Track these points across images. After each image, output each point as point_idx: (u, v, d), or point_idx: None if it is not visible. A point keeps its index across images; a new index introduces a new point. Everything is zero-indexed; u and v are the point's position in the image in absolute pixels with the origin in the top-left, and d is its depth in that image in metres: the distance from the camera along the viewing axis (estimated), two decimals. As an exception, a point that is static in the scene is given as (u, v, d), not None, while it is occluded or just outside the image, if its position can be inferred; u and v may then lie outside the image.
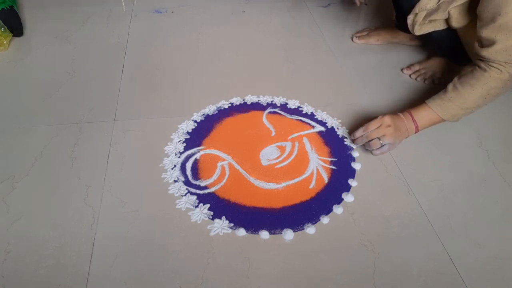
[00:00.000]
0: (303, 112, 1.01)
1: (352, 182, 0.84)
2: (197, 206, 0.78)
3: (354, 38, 1.29)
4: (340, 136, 0.95)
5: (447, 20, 0.97)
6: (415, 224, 0.77)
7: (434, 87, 1.10)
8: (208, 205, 0.79)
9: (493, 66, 0.81)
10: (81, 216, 0.76)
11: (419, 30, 1.00)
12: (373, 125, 0.84)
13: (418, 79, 1.13)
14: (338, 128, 0.97)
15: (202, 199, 0.80)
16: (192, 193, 0.81)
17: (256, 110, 1.01)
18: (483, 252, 0.73)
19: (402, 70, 1.16)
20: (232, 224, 0.75)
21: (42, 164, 0.86)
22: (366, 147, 0.87)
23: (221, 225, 0.75)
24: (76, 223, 0.75)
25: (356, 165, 0.87)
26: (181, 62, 1.19)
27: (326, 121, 0.98)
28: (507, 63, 0.80)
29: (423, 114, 0.86)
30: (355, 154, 0.90)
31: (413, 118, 0.85)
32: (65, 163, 0.86)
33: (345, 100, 1.06)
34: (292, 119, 0.99)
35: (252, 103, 1.04)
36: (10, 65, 1.15)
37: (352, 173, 0.86)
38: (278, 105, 1.03)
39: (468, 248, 0.73)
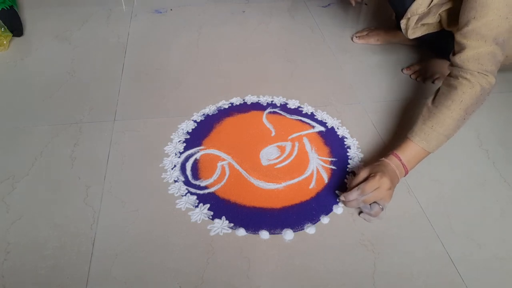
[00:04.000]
0: (303, 112, 1.01)
1: (352, 182, 0.84)
2: (197, 206, 0.78)
3: (354, 38, 1.29)
4: (340, 136, 0.95)
5: (440, 22, 0.97)
6: (415, 224, 0.77)
7: (433, 86, 1.10)
8: (208, 205, 0.79)
9: (464, 78, 0.76)
10: (81, 216, 0.76)
11: (412, 34, 1.00)
12: (370, 187, 0.72)
13: (418, 79, 1.13)
14: (338, 128, 0.97)
15: (202, 199, 0.80)
16: (192, 193, 0.81)
17: (256, 110, 1.01)
18: (483, 252, 0.73)
19: (402, 70, 1.16)
20: (232, 224, 0.75)
21: (42, 164, 0.86)
22: (362, 209, 0.76)
23: (221, 225, 0.75)
24: (76, 223, 0.75)
25: (356, 165, 0.87)
26: (181, 62, 1.19)
27: (326, 121, 0.98)
28: (479, 73, 0.75)
29: (409, 152, 0.77)
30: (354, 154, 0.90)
31: (403, 164, 0.76)
32: (65, 163, 0.86)
33: (345, 100, 1.06)
34: (292, 119, 0.99)
35: (252, 103, 1.04)
36: (10, 65, 1.15)
37: (352, 173, 0.86)
38: (278, 105, 1.03)
39: (468, 248, 0.73)
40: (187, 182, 0.83)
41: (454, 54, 0.80)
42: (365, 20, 1.44)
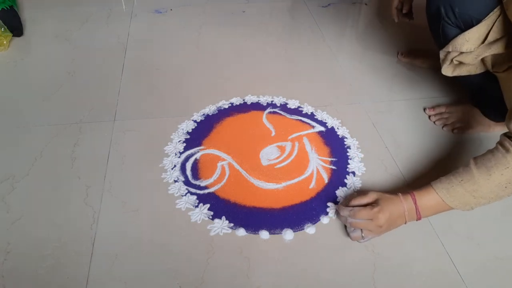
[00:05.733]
0: (303, 112, 1.01)
1: (352, 182, 0.84)
2: (197, 206, 0.78)
3: (399, 55, 1.20)
4: (340, 136, 0.95)
5: (482, 64, 0.82)
6: (415, 224, 0.77)
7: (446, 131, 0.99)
8: (208, 205, 0.79)
9: None
10: (81, 216, 0.76)
11: (445, 71, 0.84)
12: (363, 215, 0.69)
13: (437, 123, 0.99)
14: (338, 128, 0.97)
15: (202, 199, 0.80)
16: (192, 193, 0.81)
17: (256, 110, 1.01)
18: (483, 252, 0.73)
19: (424, 110, 1.03)
20: (232, 224, 0.75)
21: (42, 164, 0.86)
22: (347, 229, 0.73)
23: (221, 225, 0.75)
24: (76, 223, 0.75)
25: (356, 165, 0.87)
26: (181, 62, 1.19)
27: (326, 121, 0.98)
28: None
29: (428, 200, 0.69)
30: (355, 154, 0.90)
31: (416, 209, 0.69)
32: (65, 163, 0.86)
33: (345, 100, 1.06)
34: (292, 119, 0.99)
35: (252, 103, 1.04)
36: (10, 65, 1.15)
37: (352, 173, 0.86)
38: (278, 105, 1.03)
39: (468, 248, 0.73)
40: (187, 182, 0.83)
41: (510, 118, 0.65)
42: (365, 20, 1.44)
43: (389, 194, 0.72)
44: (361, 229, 0.70)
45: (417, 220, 0.70)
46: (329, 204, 0.79)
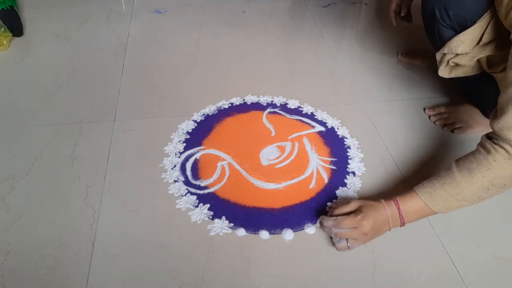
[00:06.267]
0: (303, 112, 1.01)
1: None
2: (197, 206, 0.78)
3: (399, 55, 1.20)
4: (340, 136, 0.95)
5: (478, 65, 0.82)
6: (415, 224, 0.77)
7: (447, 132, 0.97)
8: (208, 205, 0.79)
9: (500, 147, 0.62)
10: (81, 216, 0.76)
11: (442, 72, 0.85)
12: (347, 223, 0.67)
13: (437, 123, 0.98)
14: (338, 128, 0.97)
15: (202, 199, 0.80)
16: (192, 193, 0.81)
17: (256, 110, 1.01)
18: (483, 252, 0.73)
19: (424, 110, 1.02)
20: (232, 224, 0.75)
21: (42, 164, 0.86)
22: (333, 239, 0.71)
23: (221, 225, 0.75)
24: (76, 223, 0.75)
25: (356, 165, 0.87)
26: (181, 62, 1.19)
27: (326, 121, 0.98)
28: None
29: (411, 204, 0.68)
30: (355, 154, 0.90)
31: (400, 215, 0.68)
32: (65, 163, 0.86)
33: (345, 100, 1.06)
34: (292, 119, 0.99)
35: (252, 103, 1.04)
36: (10, 65, 1.15)
37: (352, 173, 0.86)
38: (278, 105, 1.03)
39: (468, 248, 0.73)
40: (187, 182, 0.83)
41: (494, 117, 0.64)
42: (365, 20, 1.44)
43: (372, 201, 0.70)
44: (347, 239, 0.68)
45: (401, 226, 0.69)
46: (329, 204, 0.79)
